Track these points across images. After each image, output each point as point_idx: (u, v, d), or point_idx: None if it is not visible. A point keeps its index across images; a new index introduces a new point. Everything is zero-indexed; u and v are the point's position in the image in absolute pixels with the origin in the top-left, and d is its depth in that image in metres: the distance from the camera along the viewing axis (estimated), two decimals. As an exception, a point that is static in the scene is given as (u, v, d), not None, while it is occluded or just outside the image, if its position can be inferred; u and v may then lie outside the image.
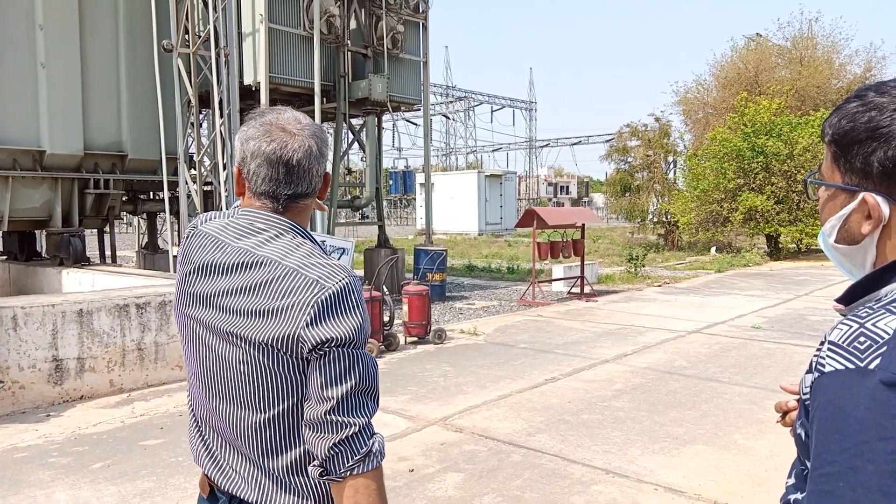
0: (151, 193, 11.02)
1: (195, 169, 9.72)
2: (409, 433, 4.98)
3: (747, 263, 17.81)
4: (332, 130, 12.83)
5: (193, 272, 1.43)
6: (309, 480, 1.36)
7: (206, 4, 9.49)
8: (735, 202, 19.79)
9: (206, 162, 9.82)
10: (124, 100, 9.61)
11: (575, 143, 55.92)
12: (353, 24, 11.80)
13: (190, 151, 10.38)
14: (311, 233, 1.48)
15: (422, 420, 5.27)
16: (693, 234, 21.61)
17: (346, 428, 1.25)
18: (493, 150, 58.56)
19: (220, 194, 9.50)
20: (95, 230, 10.64)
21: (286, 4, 10.77)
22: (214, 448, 1.44)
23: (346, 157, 14.90)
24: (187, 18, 9.46)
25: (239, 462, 1.40)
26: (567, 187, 56.80)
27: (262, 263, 1.34)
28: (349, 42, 11.54)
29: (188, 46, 9.43)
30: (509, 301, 11.68)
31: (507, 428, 5.07)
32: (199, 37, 9.43)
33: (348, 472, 1.25)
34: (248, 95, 10.74)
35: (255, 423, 1.35)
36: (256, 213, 1.41)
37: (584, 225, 12.46)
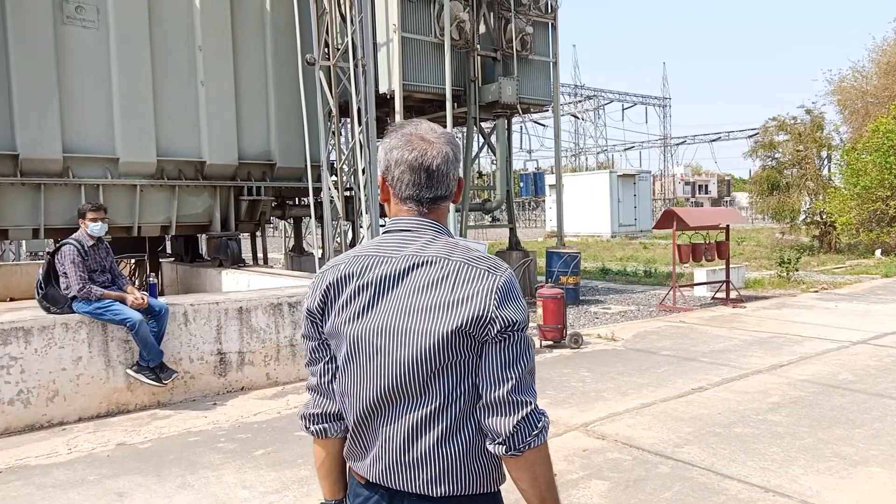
0: (297, 199, 11.70)
1: (336, 175, 10.21)
2: (549, 437, 4.91)
3: (919, 267, 16.00)
4: (462, 134, 13.01)
5: (362, 289, 1.47)
6: (482, 459, 1.45)
7: (343, 18, 9.95)
8: (903, 199, 17.86)
9: (346, 168, 10.29)
10: (272, 112, 10.27)
11: (714, 140, 52.99)
12: (482, 29, 11.89)
13: (331, 159, 10.91)
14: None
15: (561, 425, 5.19)
16: (853, 236, 19.75)
17: (525, 406, 1.38)
18: (625, 149, 56.80)
19: (359, 199, 9.92)
20: (248, 234, 11.47)
21: (418, 13, 11.05)
22: (381, 445, 1.48)
23: (476, 161, 15.05)
24: (327, 33, 9.96)
25: (415, 457, 1.44)
26: (706, 186, 53.95)
27: (432, 262, 1.44)
28: (478, 46, 11.65)
29: (328, 59, 9.92)
30: (647, 306, 11.25)
31: (653, 437, 4.87)
32: (338, 49, 9.89)
33: (527, 447, 1.38)
34: (383, 103, 11.13)
35: (432, 410, 1.42)
36: (406, 219, 1.51)
37: (728, 226, 11.76)
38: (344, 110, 10.47)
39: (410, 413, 1.43)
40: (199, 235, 11.42)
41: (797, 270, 14.08)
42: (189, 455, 4.57)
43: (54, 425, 5.20)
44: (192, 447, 4.74)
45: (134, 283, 11.53)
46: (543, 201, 35.76)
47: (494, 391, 1.38)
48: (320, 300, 1.53)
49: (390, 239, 1.51)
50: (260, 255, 11.55)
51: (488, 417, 1.39)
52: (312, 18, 9.82)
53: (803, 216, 22.26)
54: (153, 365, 5.53)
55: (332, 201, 10.08)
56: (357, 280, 1.48)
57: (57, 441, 4.88)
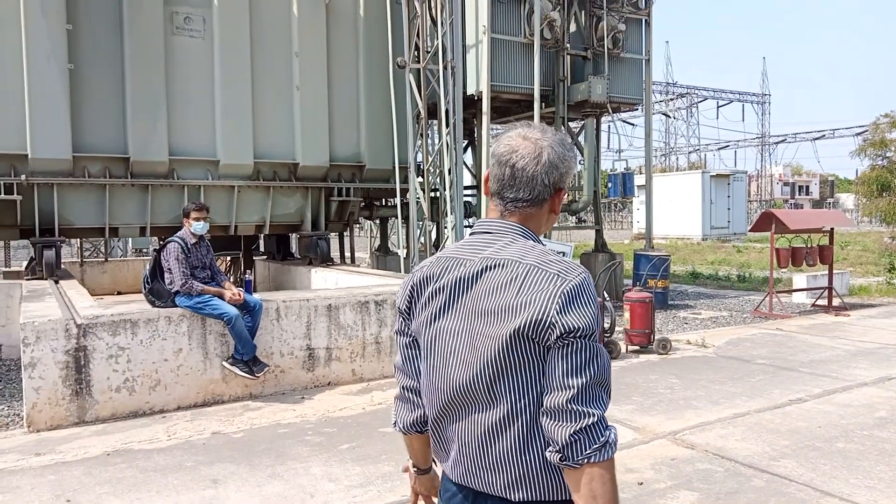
0: (384, 200, 11.93)
1: (422, 176, 10.35)
2: (636, 444, 4.80)
3: None
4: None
5: (439, 290, 1.50)
6: (545, 466, 1.42)
7: (434, 21, 10.07)
8: None
9: (432, 170, 10.40)
10: (363, 115, 10.52)
11: (817, 138, 50.03)
12: (572, 27, 11.71)
13: (418, 160, 11.07)
14: (542, 239, 1.52)
15: (649, 432, 5.04)
16: (976, 241, 18.13)
17: (586, 417, 1.32)
18: (719, 149, 54.48)
19: (444, 199, 10.01)
20: (337, 233, 11.81)
21: (508, 14, 11.01)
22: (458, 448, 1.50)
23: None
24: (418, 36, 10.10)
25: (490, 460, 1.45)
26: (807, 187, 50.96)
27: (504, 265, 1.43)
28: (568, 45, 11.48)
29: (418, 62, 10.06)
30: (741, 312, 10.76)
31: (746, 449, 4.65)
32: (428, 52, 10.01)
33: (585, 460, 1.32)
34: (471, 104, 11.16)
35: (503, 415, 1.42)
36: (490, 221, 1.52)
37: (832, 229, 11.06)
38: (432, 112, 10.60)
39: (483, 415, 1.44)
40: (290, 235, 11.86)
41: (910, 277, 13.08)
42: (278, 446, 4.76)
43: (155, 413, 5.53)
44: (281, 439, 4.92)
45: (229, 279, 12.14)
46: (630, 202, 34.84)
47: (554, 398, 1.34)
48: (407, 300, 1.59)
49: (473, 241, 1.52)
50: (347, 254, 11.86)
51: (547, 423, 1.36)
52: (404, 22, 9.99)
53: (918, 219, 20.61)
54: (247, 358, 5.79)
55: (417, 202, 10.22)
56: (436, 282, 1.51)
57: (158, 428, 5.19)
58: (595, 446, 1.32)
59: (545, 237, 11.27)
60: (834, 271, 11.16)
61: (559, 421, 1.33)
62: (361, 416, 5.50)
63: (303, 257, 10.61)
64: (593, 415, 1.33)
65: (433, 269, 1.54)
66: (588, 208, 13.22)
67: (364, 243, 20.48)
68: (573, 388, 1.33)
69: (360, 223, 12.42)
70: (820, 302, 11.03)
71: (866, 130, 23.91)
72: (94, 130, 8.63)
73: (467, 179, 13.44)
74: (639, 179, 21.32)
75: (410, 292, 1.57)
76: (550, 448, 1.36)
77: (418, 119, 10.34)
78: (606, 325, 7.69)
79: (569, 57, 11.62)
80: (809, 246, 10.85)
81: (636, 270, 11.39)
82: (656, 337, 7.97)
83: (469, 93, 10.90)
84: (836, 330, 9.05)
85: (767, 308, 10.35)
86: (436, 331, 1.50)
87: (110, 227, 9.00)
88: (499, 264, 1.44)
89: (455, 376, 1.47)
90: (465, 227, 12.43)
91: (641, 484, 4.10)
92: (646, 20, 12.53)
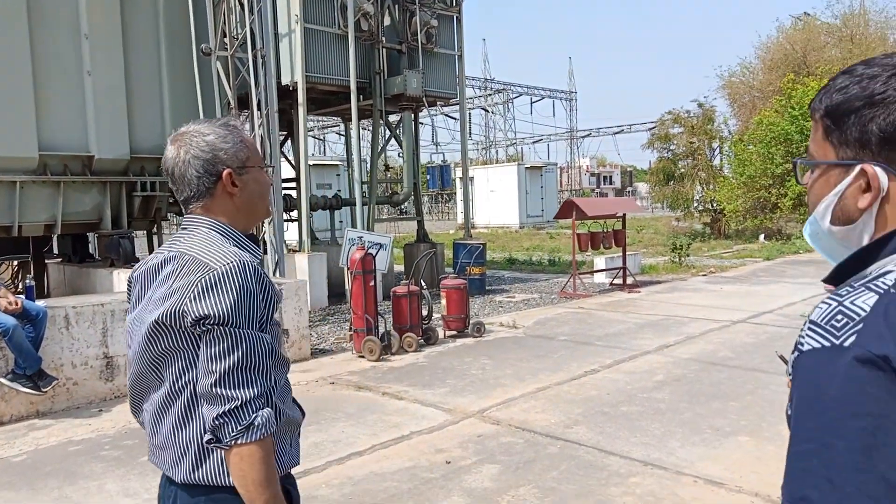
0: (196, 194, 11.27)
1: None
2: (446, 425, 5.01)
3: (798, 250, 17.26)
4: (370, 128, 12.93)
5: (134, 283, 1.60)
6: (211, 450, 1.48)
7: (242, 7, 9.67)
8: (784, 188, 19.22)
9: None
10: (167, 104, 9.84)
11: (617, 132, 55.08)
12: (387, 21, 11.84)
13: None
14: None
15: (459, 413, 5.29)
16: (740, 222, 21.07)
17: (230, 401, 1.38)
18: (534, 142, 58.05)
19: (260, 193, 9.68)
20: (144, 231, 10.97)
21: (321, 4, 10.88)
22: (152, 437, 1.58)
23: (384, 154, 15.00)
24: (225, 22, 9.65)
25: (160, 440, 1.54)
26: (610, 177, 55.95)
27: (174, 258, 1.51)
28: (384, 39, 11.60)
29: (226, 49, 9.62)
30: (550, 294, 11.61)
31: (545, 420, 5.05)
32: (237, 39, 9.61)
33: (233, 441, 1.38)
34: (286, 95, 10.91)
35: (165, 396, 1.50)
36: (185, 217, 1.60)
37: (625, 215, 12.28)
38: (245, 103, 10.19)
39: (152, 397, 1.53)
40: (88, 234, 10.84)
41: (688, 256, 14.90)
42: (69, 465, 4.35)
43: (-82, 442, 4.82)
44: (72, 457, 4.51)
45: (17, 286, 10.81)
46: (456, 194, 36.12)
47: (202, 383, 1.41)
48: (128, 295, 1.65)
49: (175, 236, 1.59)
50: (157, 253, 11.07)
51: (203, 407, 1.43)
52: (208, 6, 9.48)
53: (696, 204, 23.55)
54: (30, 372, 5.21)
55: (231, 196, 9.78)
56: (134, 274, 1.60)
57: (-80, 458, 4.53)
58: (239, 428, 1.37)
59: (368, 229, 11.34)
60: (627, 253, 12.40)
61: (207, 404, 1.41)
62: (167, 424, 5.18)
63: (103, 258, 9.74)
64: (237, 398, 1.38)
65: (141, 263, 1.61)
66: (409, 200, 13.49)
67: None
68: (216, 372, 1.39)
69: (168, 219, 11.65)
70: (616, 281, 12.21)
71: (655, 126, 26.75)
72: None
73: (287, 172, 13.14)
74: (461, 171, 22.15)
75: (128, 287, 1.64)
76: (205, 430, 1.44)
77: (229, 109, 9.90)
78: (425, 313, 7.92)
79: (384, 50, 11.74)
80: (606, 231, 11.95)
81: (455, 259, 11.84)
82: (471, 321, 8.36)
83: (284, 83, 10.65)
84: (629, 305, 10.08)
85: (572, 289, 11.26)
86: (130, 320, 1.59)
87: None
88: (171, 258, 1.52)
89: (131, 361, 1.56)
90: (286, 220, 12.15)
91: (449, 462, 4.29)
92: (457, 17, 13.01)
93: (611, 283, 12.28)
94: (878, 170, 0.90)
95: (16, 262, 11.40)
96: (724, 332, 7.97)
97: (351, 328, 7.53)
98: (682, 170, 23.69)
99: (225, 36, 9.73)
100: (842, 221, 0.95)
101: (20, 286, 10.63)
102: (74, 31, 8.92)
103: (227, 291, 1.41)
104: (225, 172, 1.54)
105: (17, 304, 5.21)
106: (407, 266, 12.38)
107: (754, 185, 19.93)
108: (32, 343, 5.24)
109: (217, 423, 1.38)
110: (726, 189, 21.15)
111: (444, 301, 8.24)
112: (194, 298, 1.41)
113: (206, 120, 1.59)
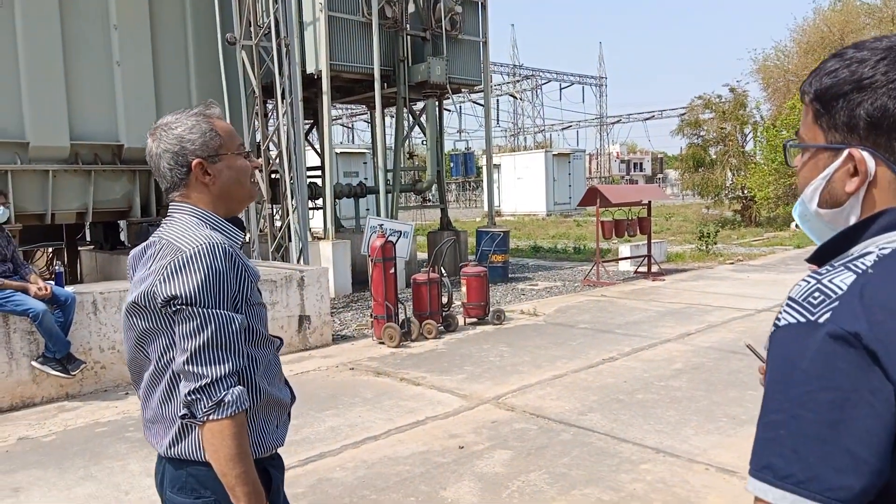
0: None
1: (261, 157, 10.06)
2: (461, 411, 5.06)
3: (830, 238, 16.87)
4: (393, 115, 12.96)
5: (129, 266, 1.67)
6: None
7: (266, -4, 9.75)
8: (817, 174, 18.75)
9: (273, 150, 10.15)
10: (194, 93, 9.99)
11: (647, 118, 54.23)
12: (411, 8, 11.82)
13: (257, 140, 10.73)
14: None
15: (475, 399, 5.34)
16: (772, 210, 20.67)
17: (201, 378, 1.44)
18: (563, 129, 57.51)
19: (285, 182, 9.81)
20: (172, 219, 11.18)
21: (345, -9, 10.91)
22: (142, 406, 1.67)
23: (408, 142, 15.03)
24: (250, 11, 9.74)
25: (150, 416, 1.61)
26: (640, 164, 55.24)
27: (154, 243, 1.58)
28: (408, 26, 11.59)
29: (251, 38, 9.72)
30: (573, 282, 11.56)
31: (560, 407, 5.07)
32: (262, 28, 9.70)
33: (205, 417, 1.44)
34: (311, 84, 10.98)
35: (152, 375, 1.58)
36: (171, 204, 1.65)
37: (650, 202, 12.14)
38: (269, 91, 10.30)
39: (144, 375, 1.60)
40: (119, 222, 11.10)
41: (716, 244, 14.68)
42: (95, 446, 4.51)
43: (-45, 421, 5.03)
44: (98, 438, 4.67)
45: (51, 272, 11.13)
46: (482, 181, 36.00)
47: (177, 361, 1.48)
48: (130, 277, 1.70)
49: (164, 221, 1.64)
50: (185, 240, 11.28)
51: (181, 384, 1.49)
52: (233, -4, 9.59)
53: (726, 191, 23.14)
54: (60, 356, 5.39)
55: (256, 183, 9.93)
56: (129, 261, 1.67)
57: (-44, 437, 4.73)
58: (210, 404, 1.43)
59: (391, 217, 11.40)
60: (653, 241, 12.27)
61: (182, 381, 1.47)
62: (190, 406, 5.33)
63: (133, 246, 9.96)
64: (208, 375, 1.43)
65: (135, 249, 1.68)
66: (433, 188, 13.52)
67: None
68: (188, 350, 1.45)
69: (197, 207, 11.92)
70: (641, 269, 12.11)
71: (686, 112, 26.29)
72: None
73: (314, 160, 13.25)
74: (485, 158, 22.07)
75: (129, 269, 1.71)
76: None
77: (254, 98, 10.03)
78: (444, 300, 7.97)
79: (408, 38, 11.74)
80: (631, 218, 11.84)
81: (478, 246, 11.86)
82: (492, 308, 8.38)
83: (309, 71, 10.72)
84: (652, 294, 10.00)
85: (595, 277, 11.20)
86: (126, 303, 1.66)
87: None
88: (151, 243, 1.58)
89: (124, 342, 1.65)
90: (311, 208, 12.28)
91: (462, 448, 4.35)
92: (482, 3, 12.92)
93: (635, 272, 12.18)
94: (866, 154, 0.90)
95: (51, 250, 11.74)
96: (746, 320, 7.87)
97: (372, 315, 7.61)
98: (713, 156, 23.27)
99: (250, 25, 9.84)
100: (829, 204, 0.96)
101: (53, 272, 10.96)
102: (104, 22, 9.10)
103: (196, 272, 1.46)
104: (194, 163, 1.59)
105: (46, 290, 5.38)
106: (430, 254, 12.43)
107: (787, 172, 19.49)
108: (62, 327, 5.42)
109: (189, 399, 1.44)
110: (757, 175, 20.75)
111: (464, 288, 8.28)
112: (163, 280, 1.47)
113: (183, 111, 1.64)
